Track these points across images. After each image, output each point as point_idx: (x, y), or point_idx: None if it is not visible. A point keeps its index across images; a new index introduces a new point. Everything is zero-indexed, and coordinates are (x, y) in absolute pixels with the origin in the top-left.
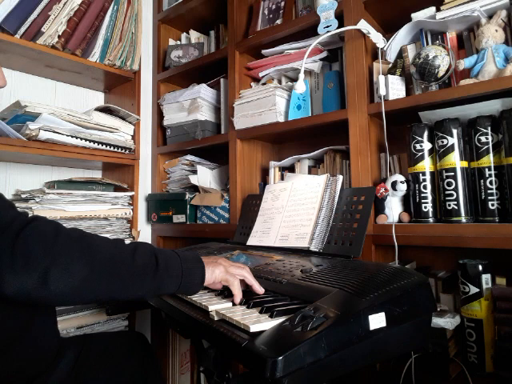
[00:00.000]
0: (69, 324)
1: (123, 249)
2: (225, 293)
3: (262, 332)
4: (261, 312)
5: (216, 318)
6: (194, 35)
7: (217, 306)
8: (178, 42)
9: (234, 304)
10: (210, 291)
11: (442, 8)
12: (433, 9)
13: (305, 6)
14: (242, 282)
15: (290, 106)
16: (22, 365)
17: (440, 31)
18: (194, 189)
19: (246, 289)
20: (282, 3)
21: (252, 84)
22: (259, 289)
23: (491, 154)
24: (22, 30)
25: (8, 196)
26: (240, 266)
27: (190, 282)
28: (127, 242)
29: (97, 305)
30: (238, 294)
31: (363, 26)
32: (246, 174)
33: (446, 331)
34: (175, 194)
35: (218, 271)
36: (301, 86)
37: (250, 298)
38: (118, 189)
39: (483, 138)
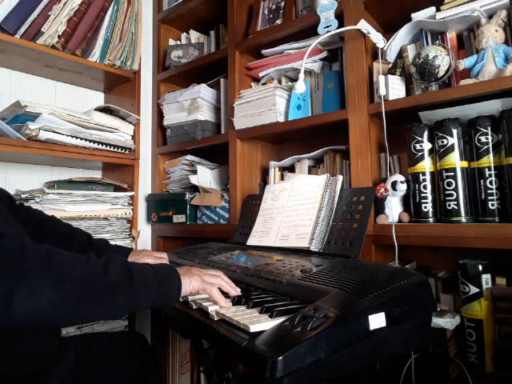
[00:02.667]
0: None
1: (94, 265)
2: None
3: (262, 332)
4: (261, 312)
5: (216, 318)
6: (194, 35)
7: (216, 306)
8: (178, 42)
9: (234, 304)
10: None
11: (442, 8)
12: (433, 9)
13: (305, 6)
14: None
15: (290, 106)
16: (22, 364)
17: (440, 31)
18: (194, 189)
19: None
20: (282, 3)
21: (252, 84)
22: (235, 293)
23: (491, 154)
24: (22, 29)
25: None
26: (214, 273)
27: (166, 294)
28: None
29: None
30: (220, 299)
31: (363, 26)
32: (246, 174)
33: (446, 331)
34: (175, 194)
35: (194, 281)
36: (301, 86)
37: (249, 298)
38: (117, 189)
39: (483, 138)
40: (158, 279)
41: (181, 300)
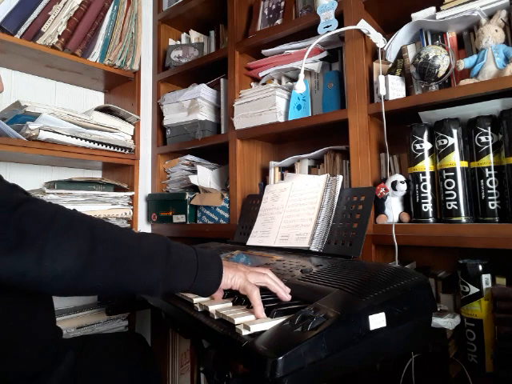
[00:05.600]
0: (69, 324)
1: (131, 233)
2: (226, 293)
3: (262, 332)
4: None
5: (216, 318)
6: (194, 35)
7: (217, 306)
8: (178, 42)
9: (247, 307)
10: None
11: (442, 8)
12: (433, 9)
13: (305, 6)
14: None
15: (290, 106)
16: (21, 365)
17: (440, 31)
18: (194, 189)
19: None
20: (282, 3)
21: (252, 84)
22: (285, 296)
23: (491, 154)
24: (22, 29)
25: None
26: (261, 271)
27: (205, 279)
28: None
29: (100, 301)
30: (258, 305)
31: (363, 26)
32: (245, 174)
33: (446, 331)
34: (175, 194)
35: (237, 277)
36: (301, 86)
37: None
38: (117, 189)
39: (483, 138)
40: (198, 261)
41: (187, 300)
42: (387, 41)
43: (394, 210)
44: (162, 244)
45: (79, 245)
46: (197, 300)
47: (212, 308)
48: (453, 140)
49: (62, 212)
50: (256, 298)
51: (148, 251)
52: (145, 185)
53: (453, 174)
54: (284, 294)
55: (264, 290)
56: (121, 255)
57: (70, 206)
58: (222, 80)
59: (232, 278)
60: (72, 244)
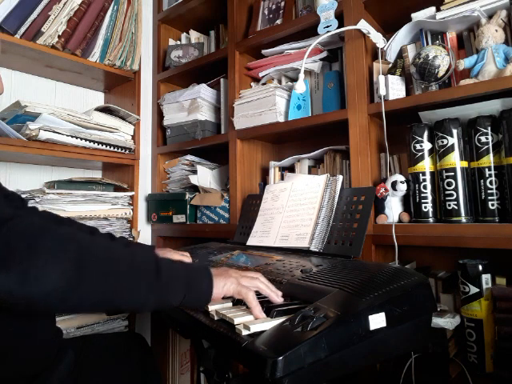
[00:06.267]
0: (69, 324)
1: (121, 250)
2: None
3: (262, 332)
4: None
5: (216, 318)
6: (194, 35)
7: (217, 306)
8: (178, 42)
9: (247, 307)
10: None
11: (442, 8)
12: (433, 9)
13: (305, 6)
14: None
15: (290, 106)
16: (21, 365)
17: (440, 31)
18: (194, 189)
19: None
20: (282, 3)
21: (252, 84)
22: (276, 298)
23: (491, 154)
24: (22, 29)
25: None
26: (253, 275)
27: (196, 293)
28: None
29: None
30: (255, 306)
31: (363, 25)
32: (245, 174)
33: (446, 331)
34: (175, 194)
35: (229, 283)
36: (301, 86)
37: None
38: (117, 189)
39: (483, 138)
40: (188, 276)
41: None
42: (387, 41)
43: (394, 210)
44: (151, 261)
45: (65, 264)
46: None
47: (212, 308)
48: (453, 140)
49: (49, 230)
50: (252, 300)
51: (139, 271)
52: (145, 185)
53: (453, 174)
54: (276, 297)
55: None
56: (109, 273)
57: (70, 206)
58: (222, 80)
59: (223, 286)
60: (57, 264)
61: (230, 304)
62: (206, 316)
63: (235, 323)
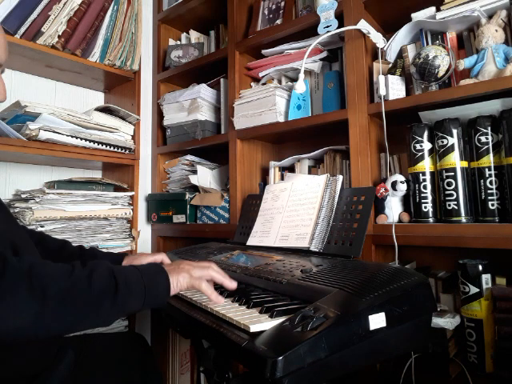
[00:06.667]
0: None
1: (78, 275)
2: (225, 293)
3: (262, 332)
4: (261, 312)
5: (216, 318)
6: (194, 35)
7: (217, 307)
8: (178, 42)
9: (247, 307)
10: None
11: (442, 8)
12: (433, 9)
13: (305, 6)
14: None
15: (290, 106)
16: (22, 365)
17: (440, 31)
18: (194, 189)
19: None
20: (282, 3)
21: (252, 84)
22: (230, 284)
23: (491, 154)
24: (22, 29)
25: (8, 196)
26: (205, 265)
27: (154, 295)
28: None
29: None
30: (211, 294)
31: (363, 25)
32: (245, 174)
33: (446, 331)
34: (175, 194)
35: (181, 278)
36: (301, 86)
37: (250, 298)
38: (117, 189)
39: (483, 138)
40: (143, 281)
41: (187, 300)
42: (387, 41)
43: (394, 210)
44: (108, 277)
45: (29, 301)
46: (197, 300)
47: (212, 308)
48: (453, 140)
49: (10, 267)
50: (206, 289)
51: (96, 291)
52: (145, 185)
53: (453, 174)
54: (229, 283)
55: (264, 291)
56: (71, 303)
57: (70, 206)
58: (222, 80)
59: (177, 282)
60: (21, 302)
61: (223, 299)
62: (206, 316)
63: (235, 323)
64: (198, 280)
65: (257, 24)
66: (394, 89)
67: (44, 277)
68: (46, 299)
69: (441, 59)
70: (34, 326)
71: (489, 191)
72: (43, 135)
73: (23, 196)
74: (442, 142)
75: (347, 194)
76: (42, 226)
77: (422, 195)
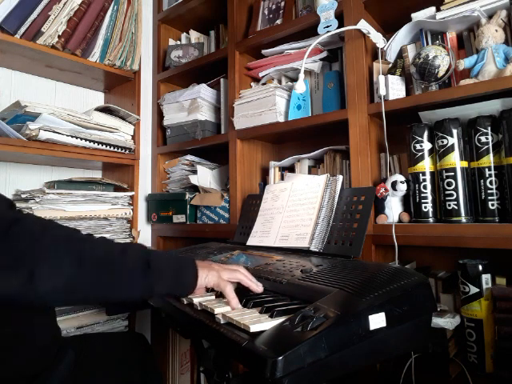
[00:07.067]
0: (69, 324)
1: (113, 248)
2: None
3: (262, 332)
4: (261, 312)
5: (216, 318)
6: (194, 35)
7: (216, 306)
8: (178, 42)
9: (247, 308)
10: (211, 291)
11: (442, 8)
12: (433, 9)
13: (305, 6)
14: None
15: (290, 106)
16: (21, 365)
17: (440, 31)
18: (194, 189)
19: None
20: (282, 3)
21: (252, 84)
22: (257, 288)
23: (491, 154)
24: (22, 29)
25: (8, 196)
26: (234, 268)
27: (182, 282)
28: (125, 241)
29: (90, 305)
30: (232, 299)
31: (363, 25)
32: (245, 174)
33: (446, 331)
34: (175, 194)
35: (211, 276)
36: (301, 86)
37: (250, 298)
38: (117, 189)
39: (483, 138)
40: (174, 267)
41: (185, 302)
42: (387, 41)
43: (394, 210)
44: (142, 256)
45: (67, 264)
46: (197, 300)
47: (211, 307)
48: (453, 140)
49: (51, 229)
50: (229, 292)
51: (130, 265)
52: (145, 185)
53: (453, 174)
54: (256, 287)
55: (264, 291)
56: (106, 272)
57: (70, 206)
58: (222, 80)
59: (206, 277)
60: (60, 263)
61: (240, 306)
62: (206, 316)
63: (235, 323)
64: (224, 282)
65: (257, 24)
66: (394, 89)
67: (82, 243)
68: (82, 262)
69: (441, 59)
70: (70, 288)
71: (489, 191)
72: (43, 135)
73: (23, 196)
74: (442, 141)
75: (347, 193)
76: None
77: (422, 195)
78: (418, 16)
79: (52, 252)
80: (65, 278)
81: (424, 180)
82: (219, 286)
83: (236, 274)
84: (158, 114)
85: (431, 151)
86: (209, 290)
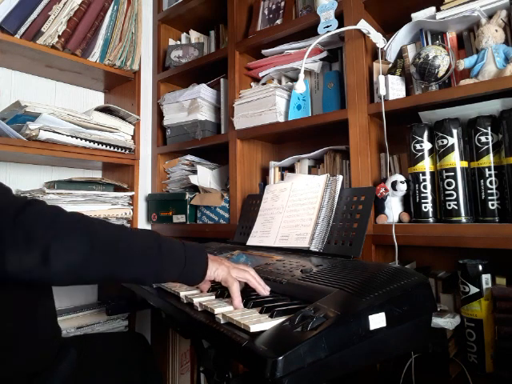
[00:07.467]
0: (69, 324)
1: (126, 228)
2: (225, 293)
3: (262, 332)
4: (261, 312)
5: (216, 318)
6: (194, 35)
7: (216, 306)
8: (178, 42)
9: (247, 308)
10: (210, 291)
11: (442, 8)
12: (433, 9)
13: (305, 6)
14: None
15: (290, 106)
16: (21, 365)
17: (440, 31)
18: (194, 189)
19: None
20: (282, 3)
21: (252, 84)
22: (263, 291)
23: (491, 154)
24: (22, 29)
25: None
26: (244, 268)
27: (192, 270)
28: None
29: (100, 300)
30: (236, 297)
31: (363, 25)
32: (245, 174)
33: (446, 331)
34: (175, 194)
35: (220, 270)
36: (301, 86)
37: (250, 299)
38: (117, 189)
39: (483, 138)
40: (186, 254)
41: (185, 301)
42: (387, 41)
43: (394, 210)
44: (153, 240)
45: (80, 242)
46: (197, 300)
47: (211, 307)
48: (453, 140)
49: (63, 212)
50: (235, 290)
51: (142, 247)
52: (145, 185)
53: (453, 174)
54: (263, 290)
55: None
56: (117, 251)
57: (70, 206)
58: (222, 80)
59: (215, 270)
60: (74, 242)
61: (242, 306)
62: (206, 316)
63: (235, 323)
64: (232, 279)
65: (257, 24)
66: (394, 89)
67: (94, 224)
68: (95, 242)
69: (441, 59)
70: (83, 266)
71: (489, 191)
72: (43, 135)
73: (23, 196)
74: (442, 141)
75: (347, 193)
76: None
77: (422, 195)
78: (418, 16)
79: (66, 230)
80: (78, 256)
81: (424, 180)
82: (227, 282)
83: (245, 274)
84: (158, 114)
85: (431, 151)
86: (210, 290)
